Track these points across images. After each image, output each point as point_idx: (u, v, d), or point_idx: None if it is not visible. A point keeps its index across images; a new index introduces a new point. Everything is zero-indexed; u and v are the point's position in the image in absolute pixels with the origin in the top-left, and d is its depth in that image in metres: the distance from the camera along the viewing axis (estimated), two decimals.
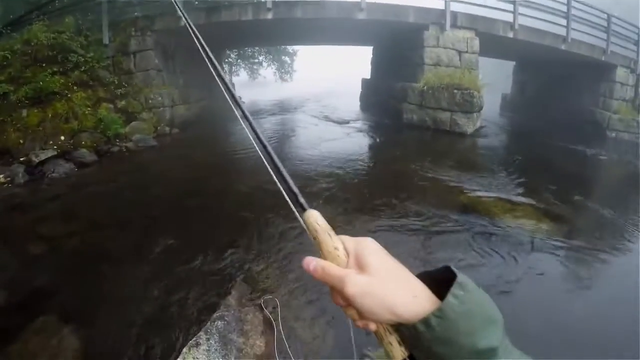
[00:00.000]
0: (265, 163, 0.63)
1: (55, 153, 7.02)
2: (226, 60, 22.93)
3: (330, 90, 29.25)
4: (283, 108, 16.85)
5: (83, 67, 8.88)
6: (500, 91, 18.56)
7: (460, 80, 9.63)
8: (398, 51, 12.38)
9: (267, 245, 3.86)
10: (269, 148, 0.63)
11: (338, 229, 0.60)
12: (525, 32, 11.11)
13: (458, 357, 0.41)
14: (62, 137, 7.51)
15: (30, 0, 11.82)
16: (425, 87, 9.90)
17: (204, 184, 5.92)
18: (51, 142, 7.31)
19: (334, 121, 12.37)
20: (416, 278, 0.46)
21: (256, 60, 27.25)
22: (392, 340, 0.46)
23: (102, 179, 6.48)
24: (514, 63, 18.13)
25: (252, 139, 0.66)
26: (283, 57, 27.43)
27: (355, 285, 0.44)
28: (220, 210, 4.76)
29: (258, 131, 0.66)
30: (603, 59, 12.45)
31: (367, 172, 6.68)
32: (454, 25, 10.38)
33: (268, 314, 2.71)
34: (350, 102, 17.43)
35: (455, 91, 9.39)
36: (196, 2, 12.82)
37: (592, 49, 12.25)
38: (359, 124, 11.65)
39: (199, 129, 10.93)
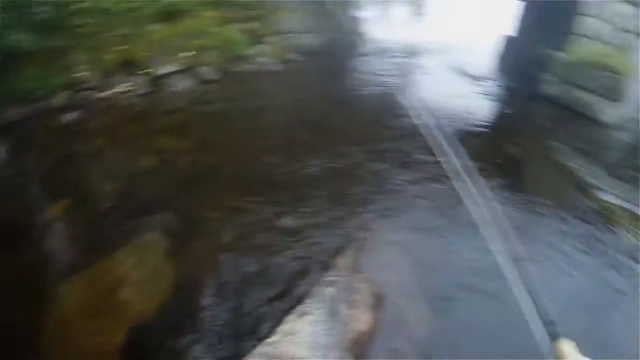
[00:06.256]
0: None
1: (180, 68, 7.27)
2: None
3: (466, 41, 26.93)
4: (411, 51, 15.69)
5: None
6: None
7: (613, 61, 8.14)
8: (551, 12, 10.57)
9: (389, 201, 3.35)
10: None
11: None
12: None
13: None
14: (188, 53, 7.61)
15: None
16: (572, 61, 8.59)
17: (323, 118, 5.70)
18: (177, 57, 7.44)
19: (464, 75, 11.07)
20: None
21: None
22: None
23: (221, 97, 6.63)
24: None
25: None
26: None
27: None
28: (336, 148, 4.32)
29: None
30: None
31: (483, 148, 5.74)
32: None
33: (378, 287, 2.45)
34: (486, 59, 15.67)
35: (604, 73, 8.03)
36: None
37: None
38: (490, 85, 10.34)
39: (324, 59, 10.51)
